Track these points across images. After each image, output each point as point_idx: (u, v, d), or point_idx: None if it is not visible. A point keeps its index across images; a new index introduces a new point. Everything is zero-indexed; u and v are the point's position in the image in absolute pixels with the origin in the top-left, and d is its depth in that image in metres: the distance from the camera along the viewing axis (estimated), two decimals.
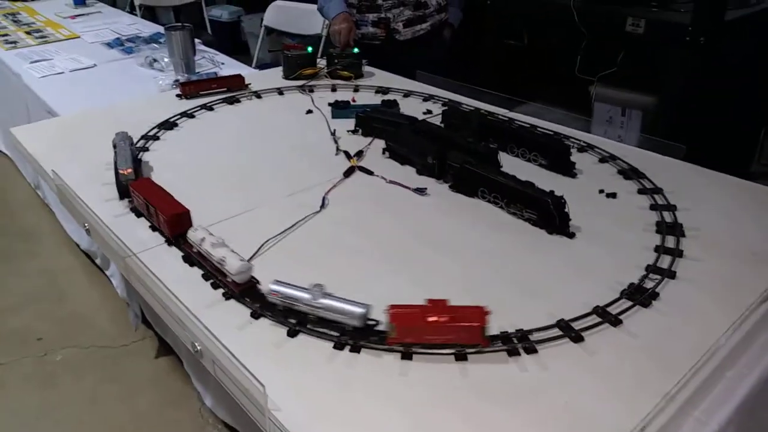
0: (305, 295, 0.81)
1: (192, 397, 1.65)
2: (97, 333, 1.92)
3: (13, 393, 1.71)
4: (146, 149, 1.34)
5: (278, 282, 0.83)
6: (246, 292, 0.87)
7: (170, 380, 1.74)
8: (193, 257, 0.95)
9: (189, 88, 1.64)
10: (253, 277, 0.89)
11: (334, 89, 1.71)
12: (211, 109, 1.57)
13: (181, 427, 1.60)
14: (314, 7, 2.26)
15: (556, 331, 0.79)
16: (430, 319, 0.76)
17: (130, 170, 1.14)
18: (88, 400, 1.68)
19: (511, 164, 1.24)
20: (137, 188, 1.08)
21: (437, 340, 0.77)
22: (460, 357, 0.75)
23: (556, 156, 1.21)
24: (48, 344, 1.87)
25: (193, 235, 0.95)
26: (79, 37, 2.49)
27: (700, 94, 2.15)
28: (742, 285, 0.88)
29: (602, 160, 1.26)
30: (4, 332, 1.93)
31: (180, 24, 1.92)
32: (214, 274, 0.91)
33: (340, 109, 1.52)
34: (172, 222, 0.99)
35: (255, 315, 0.83)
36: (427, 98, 1.63)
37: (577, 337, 0.78)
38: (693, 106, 2.16)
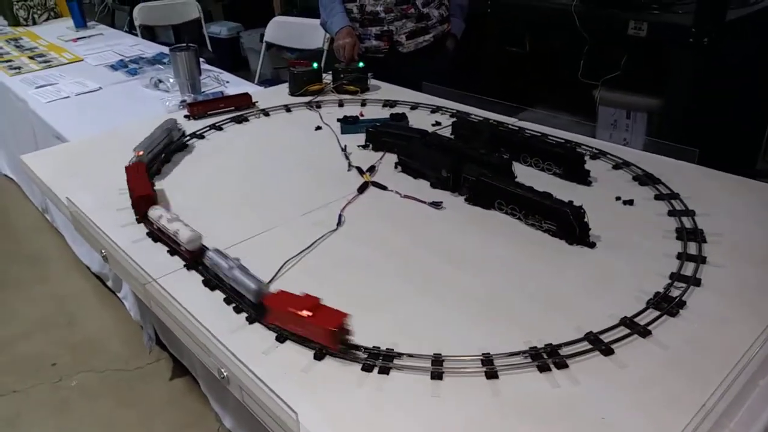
0: (224, 264, 0.92)
1: (210, 419, 1.64)
2: (111, 356, 1.92)
3: (29, 419, 1.70)
4: (158, 171, 1.34)
5: (215, 250, 0.96)
6: (198, 259, 0.99)
7: (187, 402, 1.73)
8: (155, 233, 1.08)
9: (197, 109, 1.64)
10: (203, 245, 1.00)
11: (341, 104, 1.71)
12: (220, 128, 1.57)
13: None
14: (315, 21, 2.27)
15: (585, 345, 0.79)
16: (290, 309, 0.81)
17: (141, 153, 1.23)
18: (104, 425, 1.67)
19: (525, 174, 1.24)
20: (128, 171, 1.21)
21: (298, 331, 0.82)
22: (491, 375, 0.75)
23: (571, 165, 1.21)
24: (62, 370, 1.87)
25: (152, 213, 1.08)
26: (82, 60, 2.49)
27: (704, 94, 2.16)
28: (767, 290, 0.87)
29: (616, 167, 1.26)
30: (18, 359, 1.92)
31: (185, 44, 1.93)
32: (171, 245, 1.03)
33: (349, 124, 1.52)
34: (139, 203, 1.12)
35: (280, 338, 0.82)
36: (435, 110, 1.63)
37: (607, 350, 0.77)
38: (698, 106, 2.17)
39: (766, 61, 2.50)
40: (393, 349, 0.79)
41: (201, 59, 2.25)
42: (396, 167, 1.32)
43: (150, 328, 1.84)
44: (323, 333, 0.79)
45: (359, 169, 1.31)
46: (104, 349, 1.95)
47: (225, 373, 0.79)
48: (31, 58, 2.55)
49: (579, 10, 2.30)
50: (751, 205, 1.10)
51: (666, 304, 0.85)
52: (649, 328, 0.81)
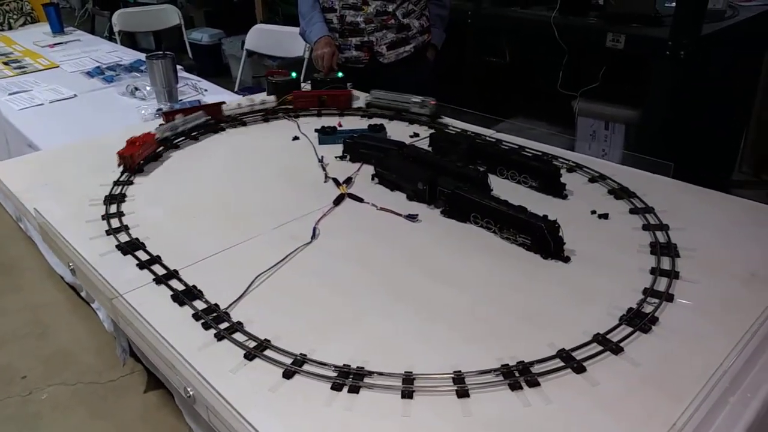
0: None
1: None
2: (84, 369, 1.88)
3: None
4: (130, 182, 1.32)
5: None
6: None
7: (161, 415, 1.70)
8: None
9: (172, 118, 1.62)
10: None
11: (319, 114, 1.70)
12: (195, 138, 1.55)
13: None
14: (296, 30, 2.26)
15: (557, 362, 0.78)
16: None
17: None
18: None
19: (501, 187, 1.24)
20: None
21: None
22: (462, 394, 0.74)
23: (547, 178, 1.21)
24: (33, 382, 1.82)
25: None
26: (58, 66, 2.46)
27: (681, 105, 2.18)
28: (740, 306, 0.87)
29: (592, 180, 1.26)
30: None
31: (161, 52, 1.91)
32: None
33: (326, 134, 1.51)
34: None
35: (249, 356, 0.81)
36: (413, 121, 1.63)
37: (579, 368, 0.77)
38: (675, 117, 2.19)
39: (741, 74, 2.54)
40: (363, 367, 0.78)
41: (180, 66, 2.23)
42: (373, 179, 1.31)
43: (123, 340, 1.81)
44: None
45: (336, 181, 1.30)
46: (76, 361, 1.91)
47: (191, 392, 0.77)
48: (5, 63, 2.50)
49: (558, 21, 2.31)
50: (725, 219, 1.10)
51: (639, 320, 0.84)
52: (622, 344, 0.80)
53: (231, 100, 1.81)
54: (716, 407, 0.73)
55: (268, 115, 1.67)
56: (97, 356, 1.92)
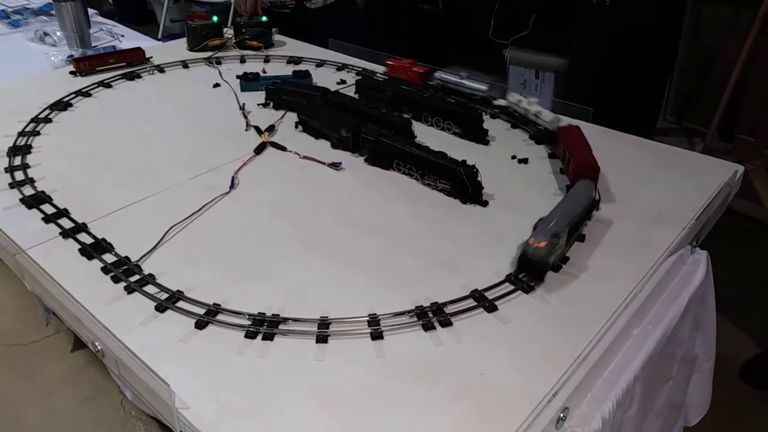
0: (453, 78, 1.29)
1: (113, 391, 1.57)
2: (5, 330, 1.80)
3: None
4: (37, 133, 1.24)
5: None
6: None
7: (89, 375, 1.65)
8: None
9: (84, 65, 1.53)
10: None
11: (243, 60, 1.64)
12: (109, 86, 1.47)
13: (101, 423, 1.54)
14: None
15: (470, 302, 0.79)
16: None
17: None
18: None
19: (426, 133, 1.23)
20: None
21: None
22: (377, 336, 0.74)
23: (469, 124, 1.21)
24: None
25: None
26: None
27: (608, 54, 2.22)
28: (647, 244, 0.90)
29: (514, 126, 1.27)
30: None
31: None
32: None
33: (249, 81, 1.45)
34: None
35: (160, 308, 0.78)
36: (341, 68, 1.59)
37: (490, 307, 0.79)
38: (602, 66, 2.23)
39: (665, 23, 2.59)
40: (279, 315, 0.77)
41: (95, 12, 2.10)
42: (297, 127, 1.28)
43: None
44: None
45: (257, 129, 1.26)
46: None
47: (99, 347, 0.75)
48: None
49: None
50: (641, 162, 1.14)
51: None
52: (533, 283, 0.82)
53: (150, 46, 1.71)
54: (619, 339, 0.76)
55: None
56: (18, 317, 1.84)
